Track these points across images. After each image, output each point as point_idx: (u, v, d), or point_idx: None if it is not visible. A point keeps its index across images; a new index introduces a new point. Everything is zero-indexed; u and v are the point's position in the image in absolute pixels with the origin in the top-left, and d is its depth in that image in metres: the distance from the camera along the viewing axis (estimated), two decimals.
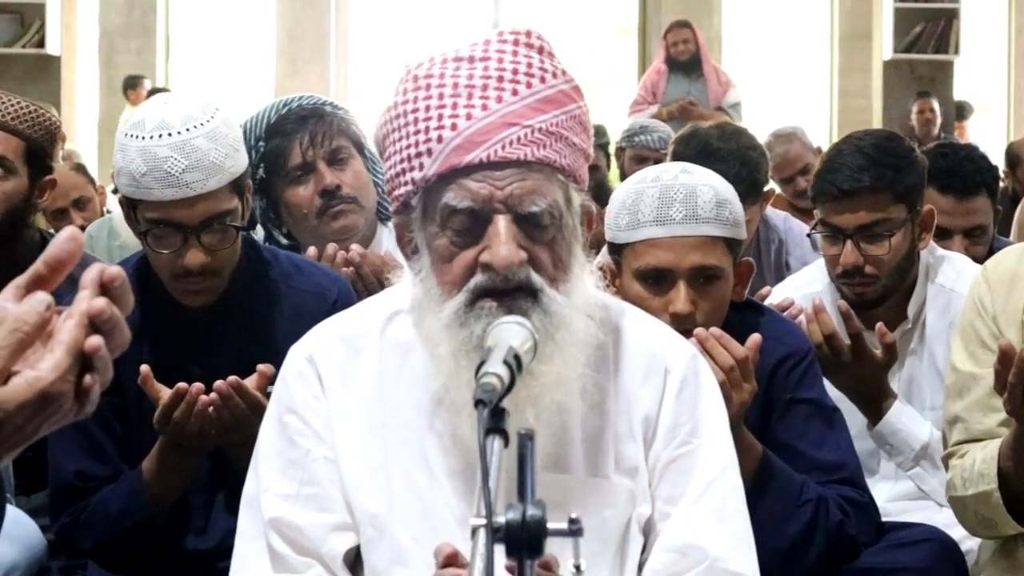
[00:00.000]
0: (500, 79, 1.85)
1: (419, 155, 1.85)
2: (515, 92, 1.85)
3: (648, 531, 1.98)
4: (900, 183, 2.90)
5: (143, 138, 2.47)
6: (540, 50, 1.89)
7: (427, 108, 1.85)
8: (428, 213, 1.87)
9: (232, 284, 2.60)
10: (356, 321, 2.05)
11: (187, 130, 2.47)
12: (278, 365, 2.43)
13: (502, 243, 1.81)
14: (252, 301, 2.64)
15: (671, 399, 1.98)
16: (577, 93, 1.91)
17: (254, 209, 3.17)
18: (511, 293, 1.82)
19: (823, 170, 2.95)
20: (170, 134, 2.46)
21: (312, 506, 1.95)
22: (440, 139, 1.83)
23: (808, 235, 3.02)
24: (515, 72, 1.86)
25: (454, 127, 1.83)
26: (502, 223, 1.82)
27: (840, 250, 2.92)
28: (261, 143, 3.11)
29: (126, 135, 2.50)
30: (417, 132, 1.85)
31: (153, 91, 8.94)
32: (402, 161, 1.87)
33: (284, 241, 3.16)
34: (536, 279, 1.83)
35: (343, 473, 1.95)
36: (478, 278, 1.83)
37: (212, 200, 2.49)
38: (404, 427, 1.95)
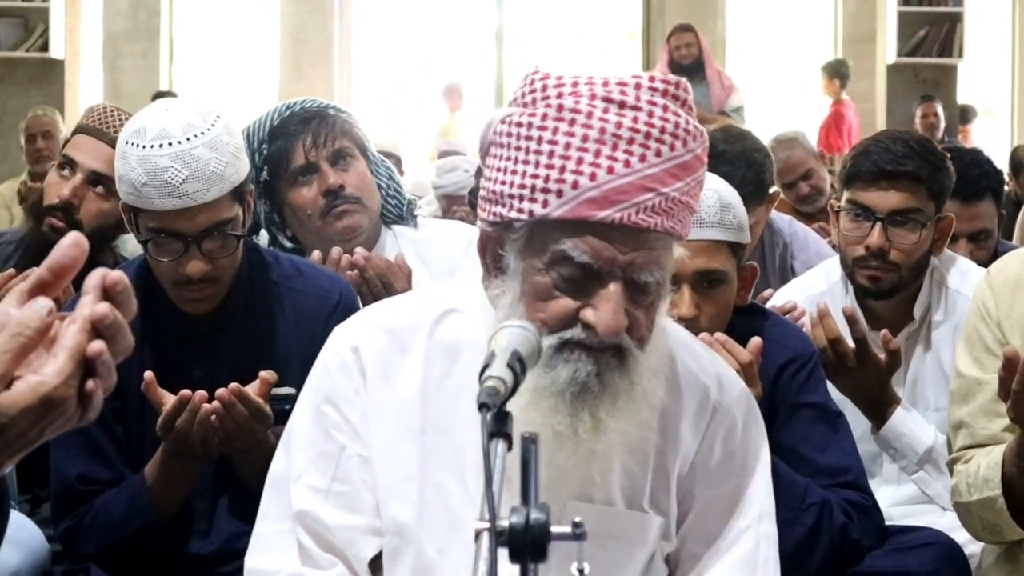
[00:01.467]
0: (647, 136, 1.76)
1: (546, 191, 1.77)
2: (658, 153, 1.77)
3: (674, 565, 1.97)
4: (936, 181, 2.93)
5: (143, 147, 2.44)
6: (684, 103, 1.82)
7: (567, 146, 1.76)
8: (534, 245, 1.81)
9: (234, 288, 2.59)
10: (406, 315, 1.99)
11: (187, 139, 2.45)
12: (281, 368, 2.44)
13: (611, 311, 1.77)
14: (254, 305, 2.63)
15: (714, 439, 1.96)
16: (705, 154, 1.85)
17: (258, 213, 3.17)
18: (602, 350, 1.79)
19: (860, 152, 2.96)
20: (170, 143, 2.44)
21: (343, 505, 1.92)
22: (576, 185, 1.75)
23: (836, 212, 3.01)
24: (662, 131, 1.77)
25: (593, 177, 1.75)
26: (615, 288, 1.77)
27: (866, 232, 2.92)
28: (264, 146, 3.11)
29: (127, 143, 2.47)
30: (551, 167, 1.77)
31: (157, 95, 8.94)
32: (522, 187, 1.79)
33: (288, 244, 3.16)
34: (627, 341, 1.80)
35: (375, 475, 1.92)
36: (575, 332, 1.79)
37: (213, 209, 2.47)
38: (443, 435, 1.91)
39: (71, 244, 1.15)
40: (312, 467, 1.94)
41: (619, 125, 1.76)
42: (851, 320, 2.83)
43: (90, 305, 1.13)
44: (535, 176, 1.78)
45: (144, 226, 2.51)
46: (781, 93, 11.30)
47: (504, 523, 1.35)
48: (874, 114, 10.53)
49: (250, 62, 11.28)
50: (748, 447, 1.98)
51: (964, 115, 10.83)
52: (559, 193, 1.76)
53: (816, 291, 3.08)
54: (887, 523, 2.61)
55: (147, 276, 2.55)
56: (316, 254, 2.98)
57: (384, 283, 2.91)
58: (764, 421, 2.50)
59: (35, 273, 1.15)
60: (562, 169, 1.76)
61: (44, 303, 1.13)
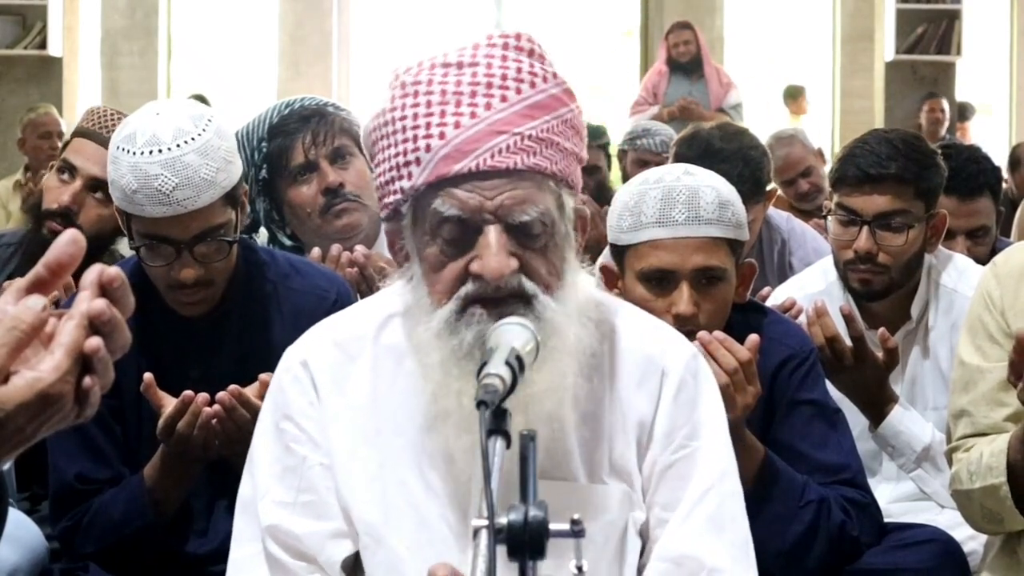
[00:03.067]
0: (489, 85, 1.82)
1: (407, 164, 1.83)
2: (504, 98, 1.82)
3: (646, 535, 1.96)
4: (924, 180, 2.92)
5: (134, 153, 2.42)
6: (530, 53, 1.86)
7: (415, 116, 1.83)
8: (418, 221, 1.85)
9: (230, 288, 2.58)
10: (351, 324, 2.03)
11: (177, 146, 2.42)
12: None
13: (492, 254, 1.79)
14: (250, 304, 2.62)
15: (668, 402, 1.95)
16: (568, 96, 1.88)
17: (257, 211, 3.17)
18: (503, 300, 1.80)
19: (846, 155, 2.96)
20: (160, 150, 2.42)
21: (309, 514, 1.94)
22: (428, 148, 1.81)
23: (824, 216, 3.02)
24: (504, 78, 1.83)
25: (442, 136, 1.80)
26: (492, 233, 1.80)
27: (854, 236, 2.92)
28: (264, 144, 3.11)
29: (118, 148, 2.45)
30: (406, 140, 1.83)
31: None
32: (391, 169, 1.85)
33: (288, 242, 3.16)
34: (529, 286, 1.81)
35: (339, 481, 1.94)
36: (468, 287, 1.81)
37: (205, 215, 2.46)
38: (399, 435, 1.94)
39: (68, 242, 1.14)
40: (277, 483, 1.96)
41: (459, 83, 1.83)
42: (848, 319, 2.83)
43: (87, 301, 1.12)
44: (397, 155, 1.84)
45: (136, 231, 2.50)
46: (779, 91, 11.28)
47: (503, 520, 1.35)
48: (872, 112, 10.52)
49: (248, 60, 11.27)
50: (702, 407, 1.97)
51: (962, 112, 10.82)
52: (418, 161, 1.82)
53: (814, 290, 3.08)
54: (886, 520, 2.61)
55: (143, 275, 2.53)
56: (316, 252, 2.98)
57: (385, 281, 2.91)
58: (763, 418, 2.52)
59: (32, 271, 1.15)
60: (415, 139, 1.82)
61: (39, 300, 1.13)
